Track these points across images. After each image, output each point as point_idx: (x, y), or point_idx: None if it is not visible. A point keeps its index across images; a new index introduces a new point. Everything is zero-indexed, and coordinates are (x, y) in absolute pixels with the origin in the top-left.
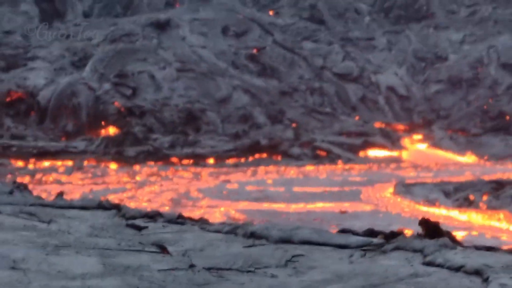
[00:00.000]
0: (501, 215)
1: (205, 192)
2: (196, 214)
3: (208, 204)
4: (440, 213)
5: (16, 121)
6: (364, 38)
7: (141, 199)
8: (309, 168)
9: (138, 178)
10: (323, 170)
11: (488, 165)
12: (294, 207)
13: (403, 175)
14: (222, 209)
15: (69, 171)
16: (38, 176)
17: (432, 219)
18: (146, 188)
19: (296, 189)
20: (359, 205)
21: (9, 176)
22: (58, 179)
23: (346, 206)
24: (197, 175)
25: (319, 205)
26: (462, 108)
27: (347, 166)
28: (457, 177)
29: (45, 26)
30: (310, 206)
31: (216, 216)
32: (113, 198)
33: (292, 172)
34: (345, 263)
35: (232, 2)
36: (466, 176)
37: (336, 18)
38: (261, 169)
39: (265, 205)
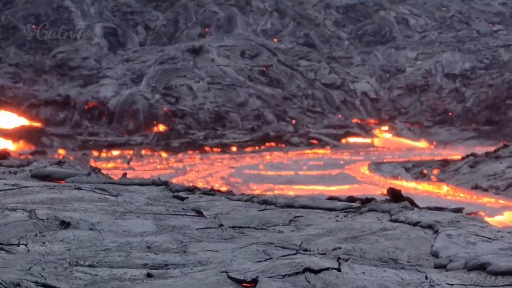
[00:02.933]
0: (446, 185)
1: (240, 176)
2: None
3: (254, 188)
4: (402, 184)
5: (92, 123)
6: (344, 57)
7: (193, 181)
8: (307, 152)
9: (182, 163)
10: (317, 155)
11: (436, 149)
12: (331, 189)
13: (374, 156)
14: (275, 192)
15: (130, 158)
16: (108, 161)
17: (396, 189)
18: (191, 174)
19: (306, 172)
20: (366, 186)
21: (89, 162)
22: (123, 164)
23: (357, 187)
24: (225, 160)
25: (345, 187)
26: (416, 107)
27: (333, 151)
28: (414, 158)
29: (112, 53)
30: (333, 188)
31: None
32: (167, 178)
33: (293, 156)
34: (333, 221)
35: (248, 33)
36: (421, 157)
37: (324, 43)
38: (273, 154)
39: (311, 188)
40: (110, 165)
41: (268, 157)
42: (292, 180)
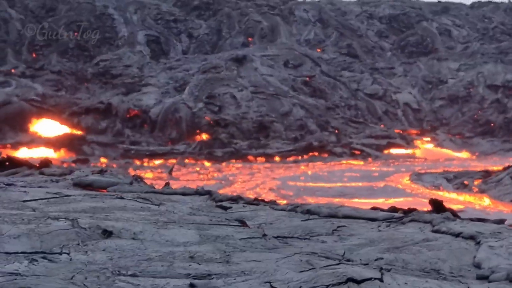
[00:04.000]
0: (487, 197)
1: (288, 188)
2: None
3: (311, 201)
4: (443, 195)
5: (133, 131)
6: (386, 67)
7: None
8: (349, 162)
9: (226, 173)
10: (358, 166)
11: (478, 159)
12: (389, 202)
13: (416, 167)
14: None
15: (172, 168)
16: (150, 171)
17: (438, 199)
18: (237, 185)
19: (353, 184)
20: (419, 200)
21: (129, 171)
22: (163, 174)
23: (411, 200)
24: (268, 170)
25: (399, 200)
26: (458, 118)
27: (375, 161)
28: (456, 168)
29: (155, 61)
30: (390, 201)
31: None
32: (211, 188)
33: (333, 167)
34: (375, 231)
35: (291, 43)
36: (462, 167)
37: (366, 54)
38: (314, 164)
39: (370, 201)
40: (148, 175)
41: (302, 167)
42: (344, 192)
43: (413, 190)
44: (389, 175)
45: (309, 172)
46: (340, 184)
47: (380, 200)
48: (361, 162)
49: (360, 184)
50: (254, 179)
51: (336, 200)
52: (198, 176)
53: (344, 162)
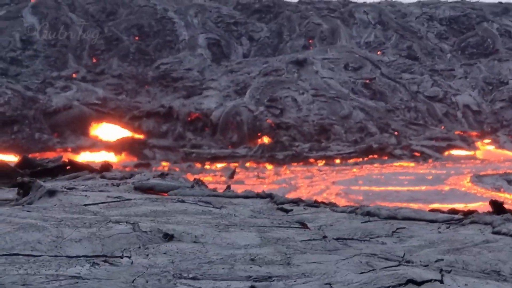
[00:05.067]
0: None
1: (355, 192)
2: None
3: None
4: (504, 196)
5: (195, 134)
6: (447, 69)
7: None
8: (401, 164)
9: (288, 176)
10: (418, 168)
11: None
12: (470, 206)
13: (476, 168)
14: None
15: (233, 172)
16: (212, 174)
17: (498, 201)
18: (302, 189)
19: (415, 188)
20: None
21: (188, 175)
22: (221, 178)
23: (486, 205)
24: (329, 173)
25: (474, 205)
26: None
27: (436, 163)
28: None
29: (215, 65)
30: (472, 205)
31: None
32: (275, 193)
33: (392, 169)
34: (435, 233)
35: (351, 45)
36: None
37: (426, 55)
38: (374, 166)
39: (445, 206)
40: (208, 178)
41: (354, 170)
42: (414, 197)
43: (483, 194)
44: (447, 177)
45: (364, 174)
46: (406, 188)
47: (460, 206)
48: (413, 164)
49: (423, 188)
50: (314, 183)
51: (411, 205)
52: (259, 180)
53: (395, 164)
